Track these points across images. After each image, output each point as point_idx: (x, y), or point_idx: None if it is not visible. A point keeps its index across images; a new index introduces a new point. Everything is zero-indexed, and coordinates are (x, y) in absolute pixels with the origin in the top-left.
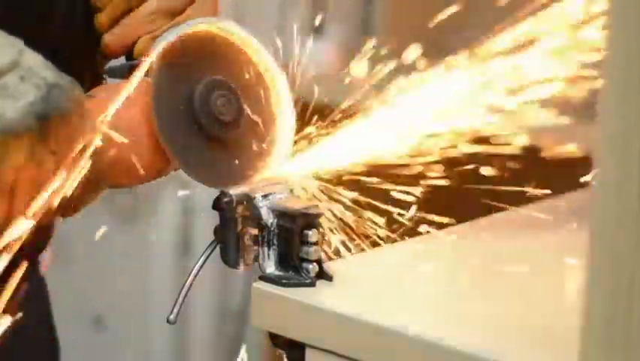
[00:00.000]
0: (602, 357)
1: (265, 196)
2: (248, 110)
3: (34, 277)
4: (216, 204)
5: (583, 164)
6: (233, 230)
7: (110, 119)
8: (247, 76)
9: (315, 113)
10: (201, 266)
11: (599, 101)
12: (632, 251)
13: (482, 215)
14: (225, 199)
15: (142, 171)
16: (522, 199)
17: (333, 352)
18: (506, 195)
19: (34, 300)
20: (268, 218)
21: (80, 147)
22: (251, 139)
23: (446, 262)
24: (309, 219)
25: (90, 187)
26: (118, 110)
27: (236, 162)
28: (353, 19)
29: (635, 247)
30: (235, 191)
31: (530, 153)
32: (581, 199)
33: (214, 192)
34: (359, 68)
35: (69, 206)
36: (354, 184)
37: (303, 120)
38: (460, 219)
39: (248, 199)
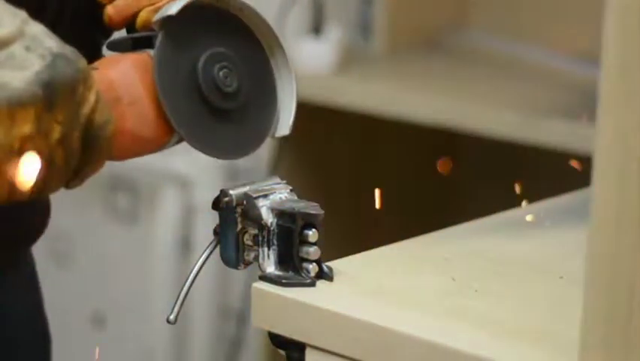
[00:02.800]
0: (601, 357)
1: (265, 196)
2: (250, 82)
3: (27, 267)
4: (216, 204)
5: (583, 164)
6: (233, 230)
7: (113, 90)
8: (248, 47)
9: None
10: (201, 266)
11: (598, 100)
12: (632, 251)
13: (482, 215)
14: (225, 199)
15: (146, 142)
16: (521, 199)
17: (333, 352)
18: (506, 195)
19: (27, 290)
20: (268, 218)
21: (85, 116)
22: (253, 110)
23: (446, 261)
24: (309, 219)
25: (94, 158)
26: (120, 81)
27: (239, 133)
28: (352, 20)
29: (635, 247)
30: (235, 191)
31: (530, 153)
32: (581, 199)
33: (214, 192)
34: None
35: (74, 177)
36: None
37: (302, 120)
38: (460, 219)
39: (248, 199)
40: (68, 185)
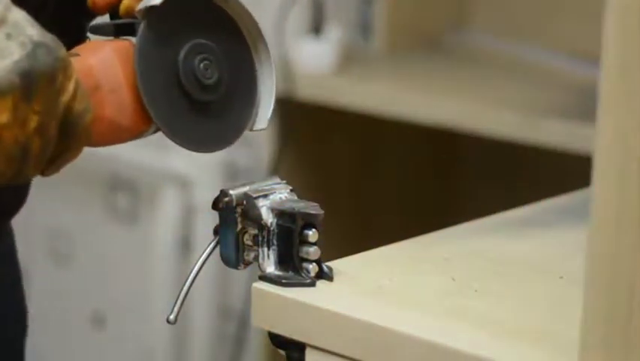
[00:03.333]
0: (601, 357)
1: (265, 196)
2: (231, 75)
3: (6, 241)
4: (216, 204)
5: (583, 164)
6: (232, 230)
7: (93, 77)
8: (230, 39)
9: (314, 113)
10: (201, 266)
11: (598, 100)
12: (632, 251)
13: (482, 215)
14: (225, 199)
15: (123, 131)
16: (521, 199)
17: (333, 352)
18: (506, 195)
19: (6, 264)
20: (268, 218)
21: (63, 105)
22: (234, 102)
23: (446, 261)
24: (309, 219)
25: (72, 146)
26: (101, 68)
27: (217, 125)
28: (352, 20)
29: (635, 247)
30: (235, 191)
31: (530, 153)
32: (581, 199)
33: (214, 192)
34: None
35: (50, 164)
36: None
37: (302, 120)
38: (460, 219)
39: (248, 199)
40: (44, 173)
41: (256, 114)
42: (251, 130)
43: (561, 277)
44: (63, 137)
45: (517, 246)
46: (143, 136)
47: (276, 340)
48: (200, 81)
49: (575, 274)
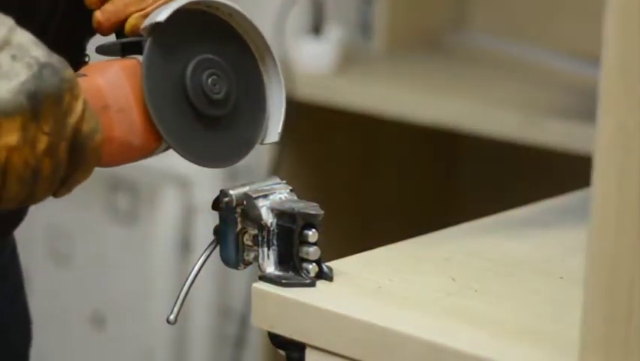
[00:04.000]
0: (601, 357)
1: (265, 196)
2: (239, 89)
3: (7, 253)
4: (216, 204)
5: (583, 164)
6: (232, 230)
7: (101, 97)
8: (237, 53)
9: (314, 113)
10: (201, 266)
11: (598, 100)
12: (632, 251)
13: (482, 215)
14: (225, 199)
15: (134, 150)
16: (521, 199)
17: (333, 352)
18: (506, 195)
19: (9, 272)
20: (268, 218)
21: (71, 126)
22: (243, 117)
23: (446, 261)
24: (309, 219)
25: (82, 166)
26: (109, 88)
27: (229, 141)
28: (352, 20)
29: (635, 247)
30: (235, 191)
31: (530, 153)
32: (581, 199)
33: (214, 192)
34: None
35: (61, 186)
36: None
37: (302, 120)
38: (460, 219)
39: (248, 199)
40: (55, 194)
41: (266, 127)
42: (262, 144)
43: (561, 277)
44: (73, 158)
45: (517, 246)
46: (154, 154)
47: (276, 340)
48: (208, 96)
49: (575, 274)
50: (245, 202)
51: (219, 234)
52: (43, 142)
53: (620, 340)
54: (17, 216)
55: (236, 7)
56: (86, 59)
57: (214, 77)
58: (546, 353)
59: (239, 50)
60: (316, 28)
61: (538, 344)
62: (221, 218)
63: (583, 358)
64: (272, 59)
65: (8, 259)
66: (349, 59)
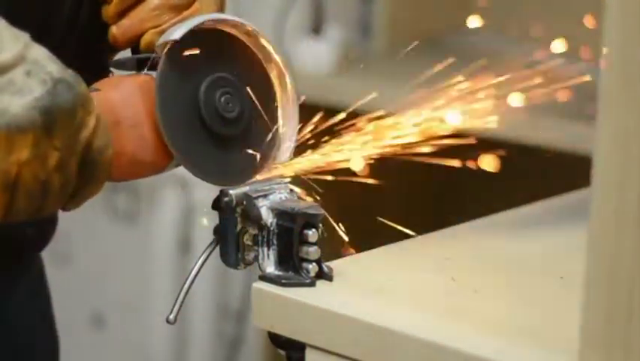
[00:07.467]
0: (601, 357)
1: (265, 196)
2: (252, 108)
3: (35, 274)
4: (216, 204)
5: (583, 164)
6: (232, 230)
7: (114, 112)
8: (252, 72)
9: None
10: (201, 266)
11: (598, 100)
12: (632, 251)
13: (482, 215)
14: (225, 199)
15: (144, 166)
16: (522, 199)
17: (333, 352)
18: (506, 195)
19: (35, 297)
20: (268, 218)
21: (83, 141)
22: (255, 136)
23: (446, 261)
24: (309, 219)
25: (92, 181)
26: (122, 103)
27: (240, 159)
28: (352, 20)
29: (635, 246)
30: (235, 191)
31: (531, 153)
32: (581, 199)
33: (214, 192)
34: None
35: (70, 200)
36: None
37: (302, 120)
38: (460, 219)
39: (248, 199)
40: (65, 208)
41: (278, 146)
42: (273, 162)
43: (561, 277)
44: (83, 172)
45: (518, 246)
46: (165, 170)
47: (276, 340)
48: (221, 115)
49: (575, 274)
50: (245, 202)
51: (219, 234)
52: (54, 158)
53: (620, 340)
54: (43, 236)
55: (254, 26)
56: (110, 75)
57: (227, 95)
58: (546, 352)
59: (254, 69)
60: (316, 28)
61: (538, 343)
62: (221, 218)
63: (583, 357)
64: (288, 79)
65: (37, 283)
66: (349, 59)
